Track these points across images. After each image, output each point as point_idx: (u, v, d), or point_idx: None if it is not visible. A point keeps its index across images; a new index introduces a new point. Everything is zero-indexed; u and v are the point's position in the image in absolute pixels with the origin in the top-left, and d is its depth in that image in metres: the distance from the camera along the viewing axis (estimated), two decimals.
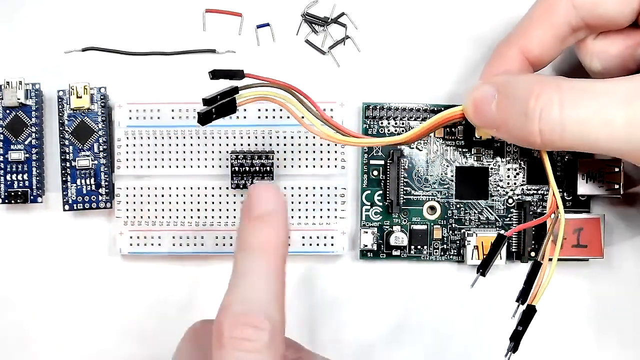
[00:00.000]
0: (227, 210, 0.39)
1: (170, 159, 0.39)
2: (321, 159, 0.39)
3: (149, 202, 0.39)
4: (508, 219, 0.40)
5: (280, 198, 0.32)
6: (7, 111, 0.39)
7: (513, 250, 0.39)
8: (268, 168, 0.38)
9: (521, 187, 0.40)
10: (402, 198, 0.39)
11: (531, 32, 0.34)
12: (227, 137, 0.38)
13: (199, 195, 0.39)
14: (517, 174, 0.40)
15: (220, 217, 0.39)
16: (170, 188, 0.39)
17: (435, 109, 0.39)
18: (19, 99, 0.38)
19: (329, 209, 0.39)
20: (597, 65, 0.35)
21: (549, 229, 0.34)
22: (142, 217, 0.39)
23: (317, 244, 0.39)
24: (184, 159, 0.39)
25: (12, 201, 0.38)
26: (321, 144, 0.39)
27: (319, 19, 0.40)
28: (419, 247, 0.39)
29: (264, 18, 0.40)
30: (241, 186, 0.38)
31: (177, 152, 0.39)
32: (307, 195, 0.39)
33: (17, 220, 0.40)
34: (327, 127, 0.34)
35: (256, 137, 0.38)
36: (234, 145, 0.38)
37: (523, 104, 0.31)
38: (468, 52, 0.40)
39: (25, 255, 0.40)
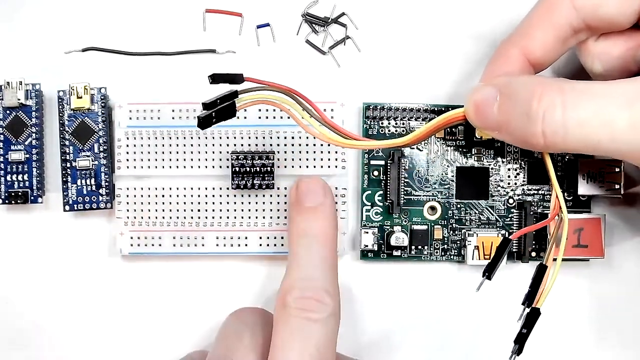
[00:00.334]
0: (228, 210, 0.39)
1: (170, 159, 0.39)
2: (321, 160, 0.39)
3: (149, 203, 0.39)
4: (508, 219, 0.40)
5: (328, 190, 0.36)
6: (8, 111, 0.39)
7: (514, 250, 0.39)
8: (268, 168, 0.38)
9: (522, 187, 0.40)
10: (402, 198, 0.39)
11: (532, 33, 0.34)
12: (228, 138, 0.38)
13: (199, 196, 0.39)
14: (518, 174, 0.40)
15: (220, 217, 0.39)
16: (170, 188, 0.39)
17: (436, 109, 0.39)
18: (19, 99, 0.38)
19: None
20: (599, 67, 0.35)
21: (552, 232, 0.34)
22: (142, 217, 0.39)
23: None
24: (185, 160, 0.39)
25: (13, 201, 0.38)
26: (321, 145, 0.38)
27: (319, 19, 0.40)
28: (419, 247, 0.39)
29: (264, 18, 0.40)
30: (241, 186, 0.38)
31: (177, 153, 0.39)
32: None
33: (17, 221, 0.40)
34: (328, 130, 0.34)
35: (257, 138, 0.38)
36: (235, 145, 0.38)
37: (525, 105, 0.31)
38: (469, 52, 0.40)
39: (25, 255, 0.40)
